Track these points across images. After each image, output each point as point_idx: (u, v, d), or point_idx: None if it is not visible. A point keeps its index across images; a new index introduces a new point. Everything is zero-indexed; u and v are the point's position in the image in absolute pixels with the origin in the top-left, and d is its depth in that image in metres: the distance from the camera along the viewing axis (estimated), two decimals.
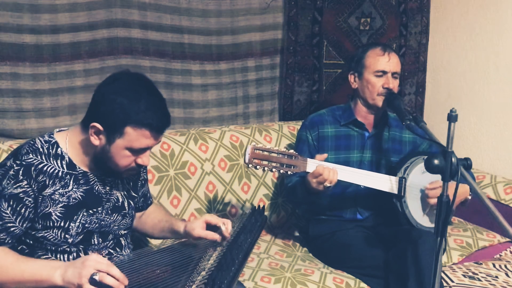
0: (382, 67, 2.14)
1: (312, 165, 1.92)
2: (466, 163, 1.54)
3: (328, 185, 1.89)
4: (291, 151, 1.91)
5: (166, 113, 1.48)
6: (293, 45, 2.72)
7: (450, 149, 1.48)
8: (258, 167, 1.86)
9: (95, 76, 2.28)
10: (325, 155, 1.96)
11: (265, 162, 1.87)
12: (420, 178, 2.08)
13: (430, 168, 1.50)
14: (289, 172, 1.89)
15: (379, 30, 2.91)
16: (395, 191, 2.04)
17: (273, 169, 1.87)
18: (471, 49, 2.86)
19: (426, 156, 2.11)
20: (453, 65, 2.98)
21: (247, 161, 1.86)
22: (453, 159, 1.47)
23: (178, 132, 2.36)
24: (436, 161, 1.48)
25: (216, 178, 2.35)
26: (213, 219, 1.63)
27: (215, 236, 1.60)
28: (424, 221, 2.09)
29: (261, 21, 2.65)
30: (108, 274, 1.29)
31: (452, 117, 1.48)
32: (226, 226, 1.61)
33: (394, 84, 2.16)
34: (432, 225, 2.09)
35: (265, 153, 1.87)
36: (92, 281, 1.28)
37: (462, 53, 2.91)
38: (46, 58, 2.18)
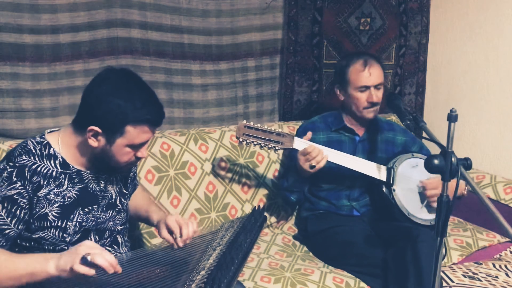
0: (364, 82, 2.20)
1: (298, 142, 2.03)
2: (466, 163, 1.53)
3: (314, 164, 1.99)
4: (279, 129, 2.03)
5: (160, 105, 1.52)
6: (293, 45, 2.72)
7: (450, 149, 1.48)
8: (248, 141, 1.98)
9: None
10: (310, 133, 2.08)
11: (254, 138, 1.99)
12: (410, 171, 2.17)
13: (430, 168, 1.50)
14: (276, 148, 2.00)
15: (379, 30, 2.91)
16: (384, 179, 2.13)
17: (263, 145, 1.99)
18: (471, 49, 2.86)
19: (414, 153, 2.23)
20: (453, 65, 2.98)
21: (237, 135, 1.99)
22: (453, 159, 1.47)
23: (178, 132, 2.36)
24: (436, 161, 1.48)
25: (216, 178, 2.35)
26: (172, 224, 1.57)
27: (171, 242, 1.57)
28: (417, 212, 2.14)
29: (261, 21, 2.65)
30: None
31: (452, 117, 1.48)
32: (183, 232, 1.54)
33: (378, 96, 2.22)
34: (426, 217, 2.15)
35: (255, 130, 1.99)
36: (83, 260, 1.26)
37: (462, 53, 2.91)
38: (46, 58, 2.19)
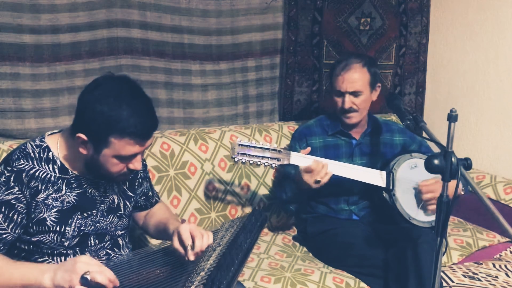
0: (338, 87, 2.19)
1: (295, 157, 1.98)
2: (466, 163, 1.53)
3: (319, 179, 1.94)
4: (275, 145, 1.97)
5: (151, 117, 1.42)
6: (293, 45, 2.72)
7: (450, 149, 1.48)
8: (243, 160, 1.93)
9: (95, 76, 2.22)
10: (309, 149, 2.03)
11: (250, 156, 1.93)
12: (410, 173, 2.14)
13: (430, 168, 1.49)
14: (273, 165, 1.95)
15: (379, 30, 2.91)
16: (383, 185, 2.09)
17: (259, 163, 1.94)
18: (471, 49, 2.86)
19: (413, 153, 2.19)
20: (453, 65, 2.97)
21: (232, 155, 1.94)
22: (453, 159, 1.47)
23: (178, 132, 2.36)
24: (436, 161, 1.48)
25: (216, 178, 2.35)
26: (185, 233, 1.44)
27: (182, 254, 1.45)
28: (418, 215, 2.12)
29: (261, 21, 2.65)
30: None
31: (452, 117, 1.48)
32: (196, 244, 1.42)
33: (353, 102, 2.16)
34: (427, 220, 2.13)
35: (250, 147, 1.94)
36: (83, 280, 1.23)
37: (462, 53, 2.91)
38: (46, 58, 2.18)
